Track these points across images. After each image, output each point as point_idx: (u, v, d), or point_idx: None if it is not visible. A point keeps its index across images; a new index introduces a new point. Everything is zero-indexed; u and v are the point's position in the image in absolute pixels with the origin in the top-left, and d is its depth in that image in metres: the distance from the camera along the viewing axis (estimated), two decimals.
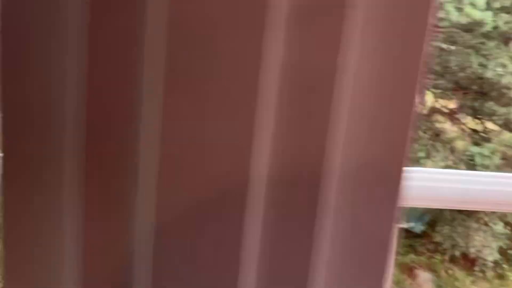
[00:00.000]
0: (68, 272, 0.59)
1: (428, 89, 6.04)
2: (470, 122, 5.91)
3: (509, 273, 6.66)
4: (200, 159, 0.58)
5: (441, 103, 6.12)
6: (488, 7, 4.55)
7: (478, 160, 5.21)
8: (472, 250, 5.66)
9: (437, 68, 5.51)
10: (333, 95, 0.56)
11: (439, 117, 6.13)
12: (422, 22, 0.59)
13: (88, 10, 0.52)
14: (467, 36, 5.20)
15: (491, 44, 5.08)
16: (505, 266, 6.61)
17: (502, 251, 6.08)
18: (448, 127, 6.07)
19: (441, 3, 4.53)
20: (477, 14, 4.43)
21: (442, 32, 5.46)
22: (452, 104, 6.04)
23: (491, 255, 5.60)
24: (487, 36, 5.00)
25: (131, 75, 0.55)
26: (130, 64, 0.55)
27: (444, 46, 5.40)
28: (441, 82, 5.59)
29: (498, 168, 5.24)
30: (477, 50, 5.09)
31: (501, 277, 6.64)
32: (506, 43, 5.12)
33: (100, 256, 0.59)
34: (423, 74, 0.60)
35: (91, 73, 0.54)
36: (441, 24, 4.86)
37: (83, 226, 0.58)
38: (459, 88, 5.63)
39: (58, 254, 0.60)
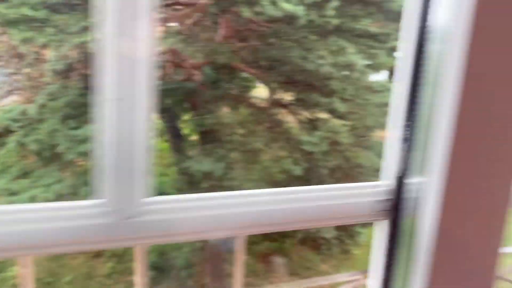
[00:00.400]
0: None
1: (264, 83, 6.26)
2: (303, 113, 6.24)
3: (352, 248, 7.24)
4: None
5: (279, 96, 6.38)
6: (301, 1, 4.79)
7: (308, 147, 5.51)
8: (312, 230, 6.01)
9: (266, 62, 5.71)
10: None
11: (277, 110, 6.39)
12: None
13: None
14: (287, 30, 5.45)
15: (311, 37, 5.38)
16: (348, 241, 7.16)
17: (341, 228, 6.55)
18: (285, 118, 6.35)
19: None
20: (290, 8, 4.64)
21: (266, 27, 5.66)
22: (289, 96, 6.33)
23: (328, 232, 5.99)
24: (304, 29, 5.28)
25: None
26: None
27: (272, 40, 5.60)
28: (274, 76, 5.80)
29: (327, 154, 5.60)
30: (298, 43, 5.36)
31: (345, 252, 7.19)
32: (324, 36, 5.46)
33: None
34: None
35: None
36: (260, 18, 5.01)
37: None
38: (291, 81, 5.90)
39: None
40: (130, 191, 0.67)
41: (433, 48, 0.84)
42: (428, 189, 0.84)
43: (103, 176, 0.66)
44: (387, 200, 0.86)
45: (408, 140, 0.84)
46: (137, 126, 0.65)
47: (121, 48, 0.63)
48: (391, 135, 0.87)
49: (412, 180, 0.85)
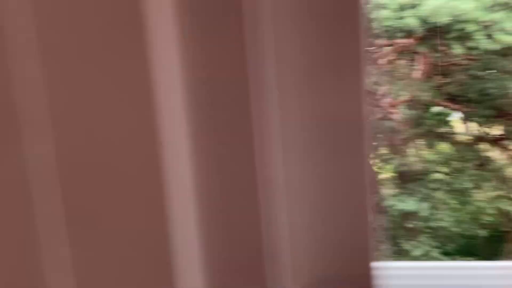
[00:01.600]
0: None
1: (469, 118, 5.92)
2: None
3: None
4: None
5: (485, 130, 5.95)
6: None
7: None
8: None
9: (474, 95, 5.43)
10: None
11: (485, 145, 5.95)
12: None
13: None
14: (503, 62, 5.13)
15: None
16: None
17: None
18: (494, 155, 5.87)
19: (470, 32, 4.53)
20: (509, 39, 4.37)
21: (476, 60, 5.40)
22: (496, 131, 5.86)
23: None
24: None
25: None
26: None
27: (481, 73, 5.34)
28: (480, 109, 5.48)
29: None
30: None
31: None
32: None
33: None
34: None
35: None
36: (474, 52, 4.82)
37: None
38: (501, 114, 5.50)
39: None
40: None
41: None
42: None
43: None
44: None
45: None
46: None
47: None
48: None
49: None
